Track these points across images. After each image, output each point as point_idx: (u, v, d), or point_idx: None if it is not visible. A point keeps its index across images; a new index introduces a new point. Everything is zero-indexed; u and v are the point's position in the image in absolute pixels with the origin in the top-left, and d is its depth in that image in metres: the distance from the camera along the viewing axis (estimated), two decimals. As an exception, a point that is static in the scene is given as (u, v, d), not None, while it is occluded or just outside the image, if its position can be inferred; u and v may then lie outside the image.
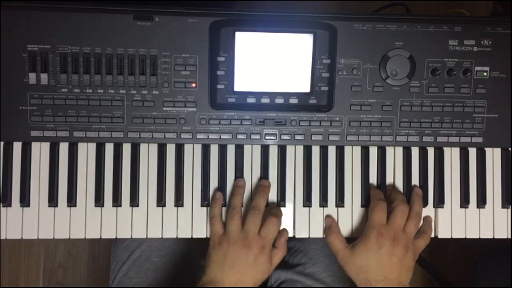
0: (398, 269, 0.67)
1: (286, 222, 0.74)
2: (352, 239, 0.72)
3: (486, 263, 0.97)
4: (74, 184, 0.72)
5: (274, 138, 0.73)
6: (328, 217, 0.74)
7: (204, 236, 0.73)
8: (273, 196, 0.74)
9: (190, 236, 0.73)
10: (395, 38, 0.72)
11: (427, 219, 0.74)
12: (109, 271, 0.87)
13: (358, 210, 0.75)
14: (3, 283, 1.40)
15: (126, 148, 0.73)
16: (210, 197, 0.73)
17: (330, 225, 0.73)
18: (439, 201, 0.75)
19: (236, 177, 0.74)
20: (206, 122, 0.72)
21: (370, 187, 0.75)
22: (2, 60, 0.69)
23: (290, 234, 0.74)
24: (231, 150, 0.74)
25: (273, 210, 0.72)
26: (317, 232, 0.74)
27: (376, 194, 0.73)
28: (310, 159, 0.74)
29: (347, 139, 0.74)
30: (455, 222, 0.76)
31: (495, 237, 0.76)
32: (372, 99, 0.73)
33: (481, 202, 0.76)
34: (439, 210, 0.76)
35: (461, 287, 1.40)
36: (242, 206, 0.73)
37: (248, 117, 0.73)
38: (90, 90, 0.71)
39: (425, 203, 0.75)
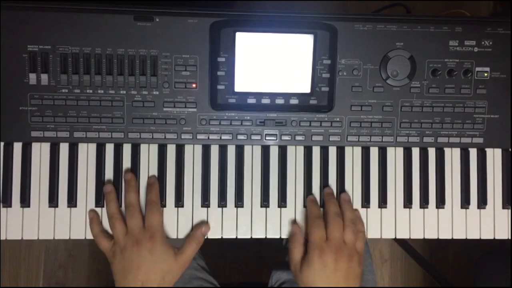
0: (344, 281, 0.67)
1: (288, 222, 0.74)
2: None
3: (487, 263, 0.97)
4: (75, 185, 0.72)
5: (275, 138, 0.73)
6: (294, 224, 0.73)
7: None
8: (274, 196, 0.74)
9: (190, 237, 0.73)
10: (396, 38, 0.72)
11: (355, 213, 0.73)
12: (109, 271, 0.86)
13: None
14: (3, 284, 1.40)
15: (127, 149, 0.73)
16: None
17: (295, 233, 0.72)
18: (440, 202, 0.75)
19: (236, 178, 0.74)
20: (206, 122, 0.72)
21: (308, 199, 0.73)
22: (3, 60, 0.69)
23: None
24: (231, 150, 0.74)
25: (148, 197, 0.70)
26: (318, 232, 0.74)
27: (312, 210, 0.72)
28: (310, 159, 0.74)
29: (348, 139, 0.74)
30: (456, 222, 0.76)
31: (496, 237, 0.76)
32: (372, 99, 0.73)
33: (482, 202, 0.76)
34: (440, 210, 0.75)
35: (461, 288, 1.41)
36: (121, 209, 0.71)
37: (248, 117, 0.73)
38: (91, 91, 0.71)
39: (425, 204, 0.75)
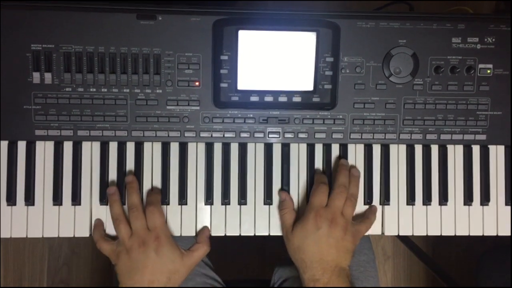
0: (335, 251, 0.67)
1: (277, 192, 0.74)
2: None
3: (489, 261, 0.97)
4: (78, 183, 0.72)
5: (278, 136, 0.74)
6: (282, 191, 0.74)
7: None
8: (277, 194, 0.74)
9: (194, 234, 0.73)
10: (398, 36, 0.72)
11: (372, 207, 0.74)
12: (112, 269, 0.87)
13: (361, 209, 0.75)
14: (7, 281, 1.41)
15: (130, 147, 0.73)
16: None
17: (285, 199, 0.73)
18: (443, 199, 0.75)
19: (240, 176, 0.74)
20: (209, 120, 0.73)
21: (315, 171, 0.74)
22: (6, 59, 0.69)
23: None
24: (234, 148, 0.74)
25: (148, 199, 0.71)
26: (321, 230, 0.74)
27: (319, 177, 0.73)
28: (313, 157, 0.75)
29: (351, 137, 0.74)
30: (458, 219, 0.76)
31: (499, 234, 0.76)
32: (375, 97, 0.73)
33: (485, 199, 0.76)
34: (443, 207, 0.76)
35: (463, 287, 1.41)
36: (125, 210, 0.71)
37: (251, 115, 0.73)
38: (94, 89, 0.71)
39: (429, 201, 0.75)
